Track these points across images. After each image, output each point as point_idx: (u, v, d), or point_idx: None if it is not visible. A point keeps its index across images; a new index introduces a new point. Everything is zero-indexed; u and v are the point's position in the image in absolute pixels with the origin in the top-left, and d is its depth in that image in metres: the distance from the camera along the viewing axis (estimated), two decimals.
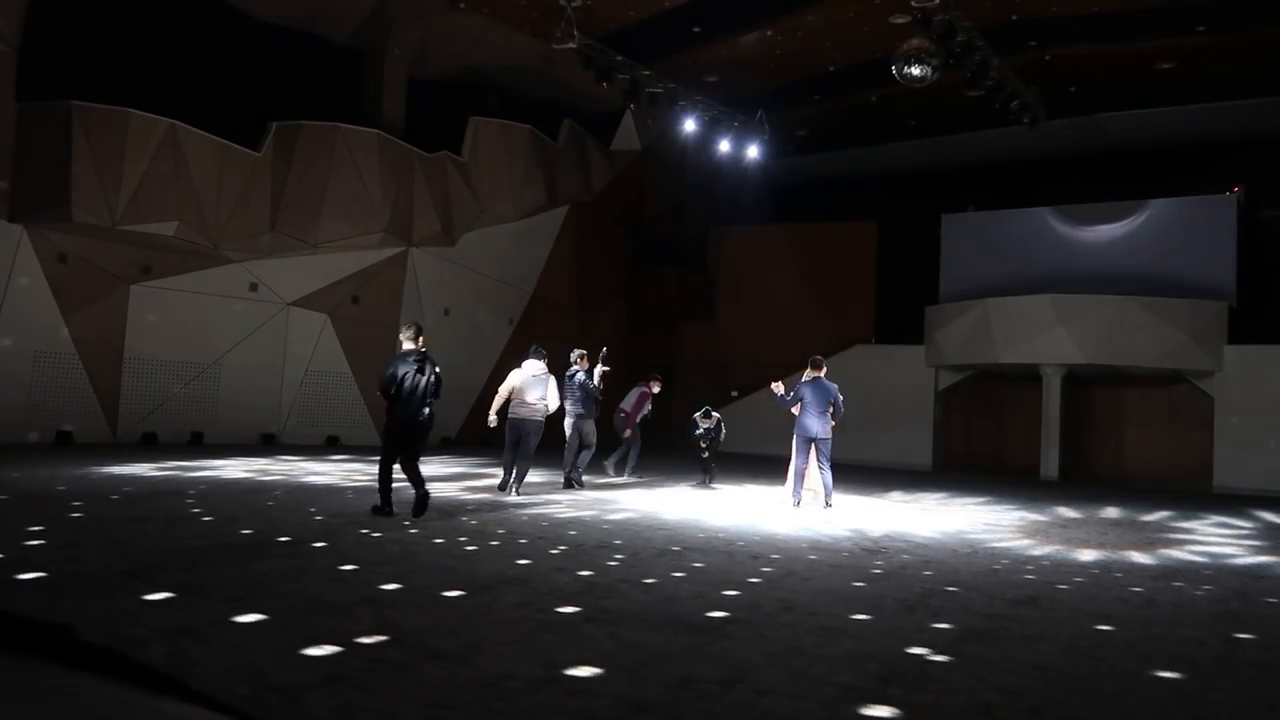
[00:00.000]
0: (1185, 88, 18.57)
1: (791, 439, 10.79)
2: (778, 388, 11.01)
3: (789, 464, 10.98)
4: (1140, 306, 17.49)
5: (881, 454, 19.30)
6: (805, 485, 10.69)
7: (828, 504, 10.44)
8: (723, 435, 13.26)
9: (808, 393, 10.54)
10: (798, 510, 10.22)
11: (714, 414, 13.18)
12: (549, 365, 10.83)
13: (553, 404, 10.71)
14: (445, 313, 18.57)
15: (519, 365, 10.78)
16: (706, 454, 12.98)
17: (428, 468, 13.51)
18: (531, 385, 10.55)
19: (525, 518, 8.54)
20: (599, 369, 11.99)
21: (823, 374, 10.76)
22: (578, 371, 11.72)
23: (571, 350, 12.10)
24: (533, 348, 10.96)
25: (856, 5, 16.02)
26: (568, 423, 11.63)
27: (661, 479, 13.45)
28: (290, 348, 16.67)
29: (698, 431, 13.00)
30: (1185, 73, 18.11)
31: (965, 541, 8.34)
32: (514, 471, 10.53)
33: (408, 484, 8.12)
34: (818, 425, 10.50)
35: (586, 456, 11.77)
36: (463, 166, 18.41)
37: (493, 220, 19.08)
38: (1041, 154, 21.13)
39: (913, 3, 13.90)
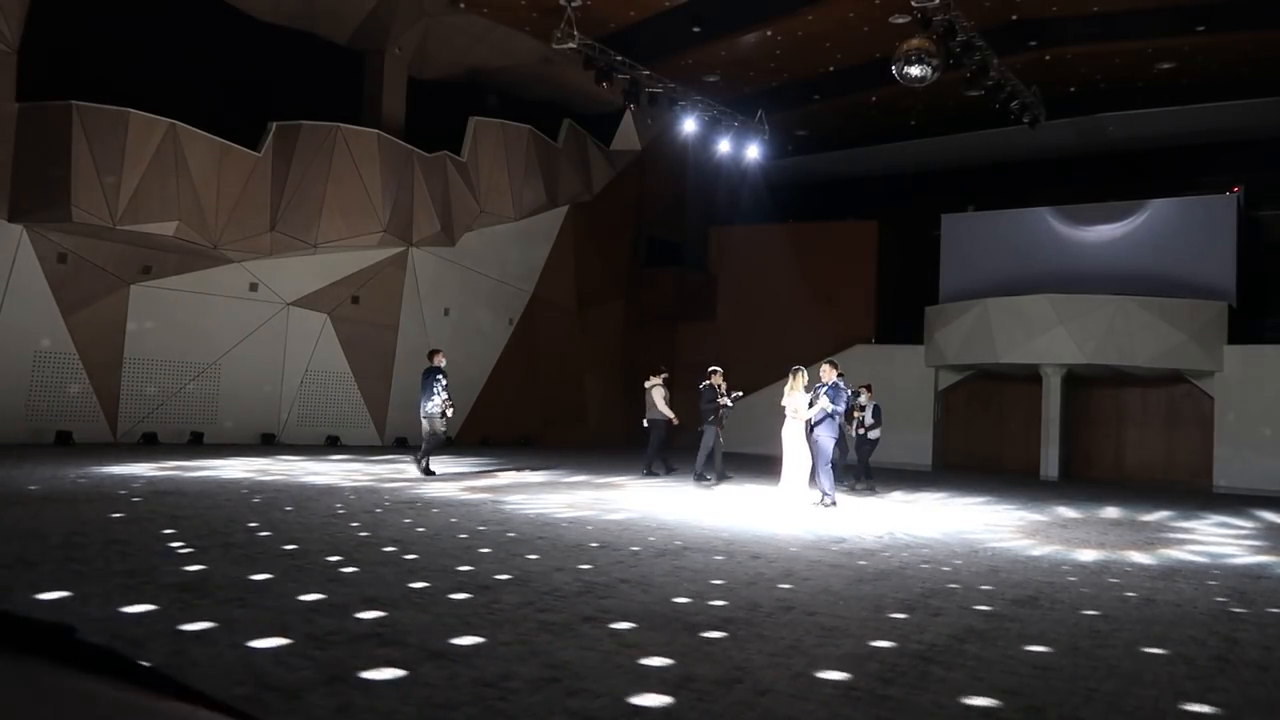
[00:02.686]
0: (1185, 88, 18.59)
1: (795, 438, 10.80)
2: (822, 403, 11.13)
3: (792, 466, 10.92)
4: (1140, 306, 17.48)
5: (881, 454, 19.22)
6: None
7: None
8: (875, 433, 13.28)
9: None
10: (801, 510, 10.20)
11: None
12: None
13: (661, 408, 13.79)
14: (445, 313, 18.57)
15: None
16: (862, 434, 13.12)
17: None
18: (651, 394, 13.92)
19: (526, 518, 8.54)
20: (722, 386, 13.32)
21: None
22: (705, 384, 13.26)
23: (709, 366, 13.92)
24: (659, 367, 14.56)
25: (856, 5, 16.03)
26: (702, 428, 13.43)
27: (662, 479, 13.45)
28: (290, 348, 16.67)
29: (859, 417, 13.08)
30: (1185, 73, 18.13)
31: (965, 541, 8.34)
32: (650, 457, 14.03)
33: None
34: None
35: (701, 457, 13.17)
36: (463, 166, 18.41)
37: (493, 220, 19.08)
38: (1041, 154, 21.15)
39: (913, 3, 13.91)
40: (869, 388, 13.58)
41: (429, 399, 11.98)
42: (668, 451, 14.28)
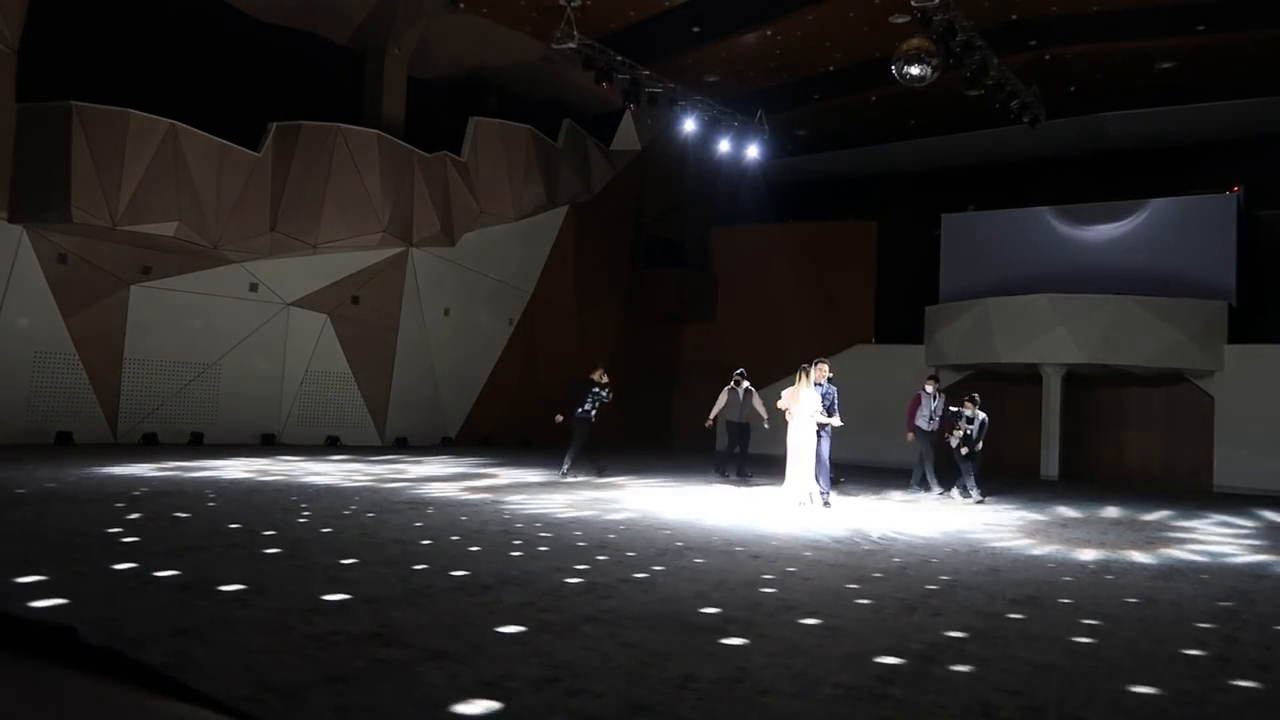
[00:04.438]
0: (1185, 88, 18.57)
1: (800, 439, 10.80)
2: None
3: (796, 466, 10.91)
4: (1140, 306, 17.47)
5: (881, 454, 19.29)
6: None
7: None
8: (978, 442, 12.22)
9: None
10: (801, 510, 10.19)
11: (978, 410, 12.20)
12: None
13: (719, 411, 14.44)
14: (445, 313, 18.57)
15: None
16: (966, 453, 12.20)
17: (429, 467, 13.57)
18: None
19: (526, 518, 8.54)
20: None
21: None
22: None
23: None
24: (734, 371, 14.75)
25: (856, 5, 16.02)
26: None
27: (663, 479, 13.45)
28: (290, 348, 16.67)
29: (965, 430, 12.12)
30: (1185, 73, 18.12)
31: (965, 541, 8.34)
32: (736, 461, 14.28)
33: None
34: None
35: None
36: (463, 166, 18.41)
37: (493, 220, 19.08)
38: (1041, 154, 21.13)
39: (913, 3, 13.90)
40: (973, 399, 12.47)
41: (580, 407, 13.01)
42: (730, 457, 14.17)
